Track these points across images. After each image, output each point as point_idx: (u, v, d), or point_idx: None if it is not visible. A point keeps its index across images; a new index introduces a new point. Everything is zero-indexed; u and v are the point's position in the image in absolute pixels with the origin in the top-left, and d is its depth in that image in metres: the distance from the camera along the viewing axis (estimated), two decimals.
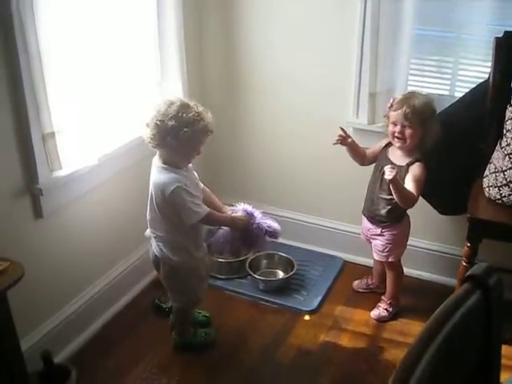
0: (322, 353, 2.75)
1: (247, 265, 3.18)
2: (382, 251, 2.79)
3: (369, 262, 3.19)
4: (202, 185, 2.55)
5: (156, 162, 2.39)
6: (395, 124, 2.57)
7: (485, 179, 2.54)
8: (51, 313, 2.61)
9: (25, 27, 2.10)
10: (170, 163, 2.34)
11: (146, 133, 2.31)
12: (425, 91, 2.70)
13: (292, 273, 3.16)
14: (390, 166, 2.51)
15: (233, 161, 3.47)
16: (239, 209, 2.55)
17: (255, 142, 3.38)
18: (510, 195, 2.42)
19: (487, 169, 2.54)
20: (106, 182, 2.73)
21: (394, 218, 2.72)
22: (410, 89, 2.86)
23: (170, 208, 2.33)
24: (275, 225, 2.54)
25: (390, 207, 2.68)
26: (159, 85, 2.97)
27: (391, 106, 2.60)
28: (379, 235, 2.78)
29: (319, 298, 3.07)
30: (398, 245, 2.79)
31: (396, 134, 2.58)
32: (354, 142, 2.75)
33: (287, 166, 3.33)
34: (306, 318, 2.97)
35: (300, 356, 2.74)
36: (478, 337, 1.11)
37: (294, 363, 2.69)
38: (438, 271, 3.16)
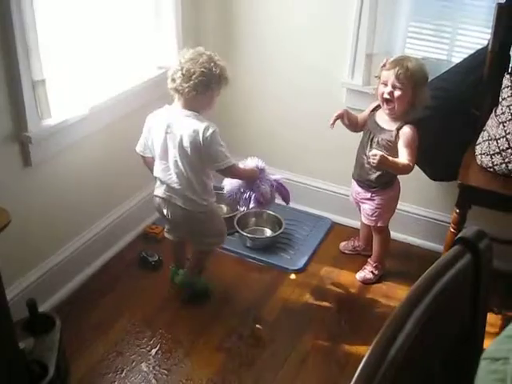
0: (306, 312, 2.78)
1: (235, 222, 3.18)
2: (371, 215, 2.79)
3: (356, 224, 3.19)
4: None
5: (178, 111, 2.41)
6: (385, 84, 2.53)
7: (477, 147, 2.53)
8: (37, 262, 2.61)
9: None
10: (198, 111, 2.41)
11: (181, 84, 2.34)
12: (422, 55, 2.67)
13: (280, 231, 3.17)
14: (372, 152, 2.49)
15: (224, 120, 3.43)
16: (251, 164, 2.56)
17: (248, 101, 3.35)
18: (501, 164, 2.41)
19: (480, 136, 2.52)
20: (96, 132, 2.71)
21: (383, 182, 2.71)
22: (408, 52, 2.84)
23: (205, 152, 2.38)
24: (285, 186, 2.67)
25: (379, 173, 2.66)
26: (154, 35, 2.92)
27: (384, 65, 2.55)
28: (369, 199, 2.78)
29: (306, 258, 3.08)
30: (387, 210, 2.79)
31: (385, 95, 2.53)
32: (347, 112, 2.72)
33: (279, 125, 3.31)
34: (292, 276, 2.99)
35: (284, 314, 2.76)
36: (465, 300, 1.11)
37: (278, 321, 2.72)
38: (425, 236, 3.17)
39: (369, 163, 2.58)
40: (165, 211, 2.57)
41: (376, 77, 2.63)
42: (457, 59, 2.75)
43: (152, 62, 2.97)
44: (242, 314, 2.75)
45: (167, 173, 2.48)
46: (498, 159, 2.42)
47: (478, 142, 2.54)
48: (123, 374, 2.43)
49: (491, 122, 2.47)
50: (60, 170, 2.58)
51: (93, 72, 2.59)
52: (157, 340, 2.58)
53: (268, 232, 3.27)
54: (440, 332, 1.05)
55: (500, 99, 2.44)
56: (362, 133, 2.76)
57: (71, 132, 2.52)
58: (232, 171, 2.47)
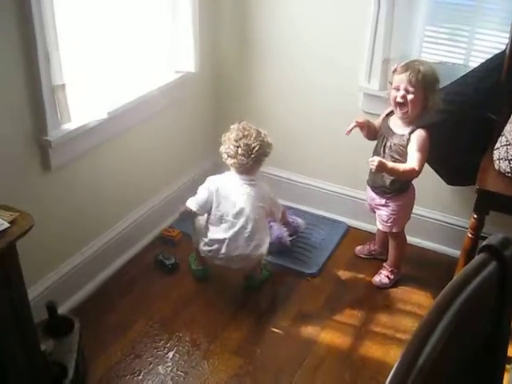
0: (321, 315, 2.78)
1: None
2: (386, 221, 2.79)
3: (372, 228, 3.20)
4: None
5: (243, 179, 2.75)
6: (398, 89, 2.53)
7: (495, 151, 2.52)
8: (56, 265, 2.63)
9: None
10: (254, 176, 2.80)
11: (243, 157, 2.68)
12: (439, 59, 2.67)
13: (296, 235, 3.18)
14: (370, 159, 2.52)
15: (243, 114, 3.44)
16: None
17: (265, 102, 3.36)
18: None
19: (498, 141, 2.52)
20: (114, 136, 2.73)
21: (397, 188, 2.71)
22: (424, 56, 2.84)
23: (269, 207, 2.83)
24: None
25: (392, 178, 2.66)
26: (171, 40, 2.93)
27: (395, 70, 2.56)
28: (384, 206, 2.78)
29: (322, 262, 3.08)
30: (402, 215, 2.79)
31: (398, 99, 2.53)
32: (367, 121, 2.73)
33: (295, 129, 3.31)
34: (308, 280, 2.99)
35: (300, 318, 2.76)
36: (490, 308, 1.11)
37: (294, 325, 2.72)
38: (441, 241, 3.17)
39: (385, 146, 2.61)
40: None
41: (389, 82, 2.64)
42: (474, 63, 2.74)
43: (169, 66, 2.98)
44: (258, 317, 2.76)
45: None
46: None
47: (495, 147, 2.53)
48: (140, 376, 2.44)
49: (509, 127, 2.46)
50: (79, 173, 2.60)
51: (111, 76, 2.61)
52: (174, 342, 2.60)
53: None
54: (466, 340, 1.06)
55: None
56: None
57: (90, 136, 2.54)
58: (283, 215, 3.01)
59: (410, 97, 2.51)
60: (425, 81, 2.48)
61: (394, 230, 2.81)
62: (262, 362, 2.54)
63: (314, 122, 3.25)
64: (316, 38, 3.06)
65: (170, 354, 2.55)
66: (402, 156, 2.59)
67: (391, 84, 2.59)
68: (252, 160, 2.68)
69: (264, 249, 2.78)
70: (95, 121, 2.52)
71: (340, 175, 3.31)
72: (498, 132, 2.54)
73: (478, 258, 1.08)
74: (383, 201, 2.76)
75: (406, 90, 2.51)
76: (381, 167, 2.50)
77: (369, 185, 2.83)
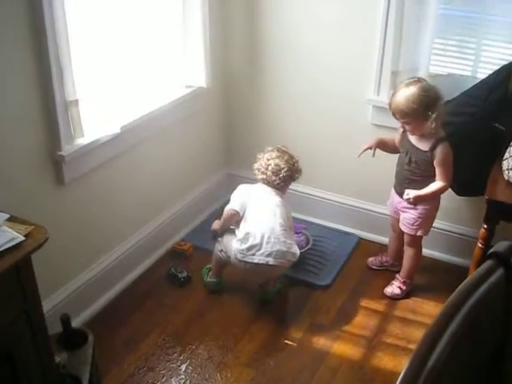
0: (333, 327, 2.79)
1: None
2: (413, 224, 2.80)
3: (383, 239, 3.21)
4: None
5: (273, 189, 2.86)
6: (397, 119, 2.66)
7: (504, 162, 2.53)
8: (69, 278, 2.66)
9: None
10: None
11: (272, 175, 2.83)
12: (447, 71, 2.69)
13: (307, 247, 3.19)
14: (404, 196, 2.65)
15: (252, 134, 3.47)
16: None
17: (275, 115, 3.38)
18: None
19: (507, 152, 2.52)
20: (127, 151, 2.76)
21: None
22: (433, 68, 2.86)
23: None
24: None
25: (421, 186, 2.69)
26: (182, 55, 2.97)
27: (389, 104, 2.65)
28: (411, 208, 2.77)
29: (333, 274, 3.10)
30: (428, 219, 2.80)
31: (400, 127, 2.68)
32: (381, 141, 2.79)
33: (306, 141, 3.33)
34: (320, 292, 3.00)
35: (313, 329, 2.77)
36: (498, 314, 1.13)
37: (306, 336, 2.73)
38: (451, 252, 3.17)
39: (410, 159, 2.67)
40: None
41: None
42: (482, 75, 2.76)
43: (180, 81, 3.02)
44: (271, 329, 2.77)
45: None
46: None
47: (504, 157, 2.54)
48: None
49: None
50: (92, 187, 2.63)
51: (123, 91, 2.64)
52: (187, 355, 2.61)
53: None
54: (474, 346, 1.07)
55: None
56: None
57: (103, 151, 2.58)
58: None
59: (407, 126, 2.63)
60: (410, 111, 2.54)
61: (418, 234, 2.82)
62: (275, 375, 2.55)
63: (325, 135, 3.26)
64: (327, 51, 3.09)
65: (183, 367, 2.56)
66: (428, 168, 2.65)
67: None
68: (279, 179, 2.83)
69: (297, 248, 2.84)
70: (108, 135, 2.55)
71: (351, 187, 3.32)
72: (506, 142, 2.55)
73: (485, 264, 1.10)
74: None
75: (401, 122, 2.62)
76: (417, 200, 2.63)
77: (396, 191, 2.85)
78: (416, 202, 2.65)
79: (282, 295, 2.99)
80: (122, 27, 2.57)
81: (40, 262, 1.91)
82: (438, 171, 2.62)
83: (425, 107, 2.53)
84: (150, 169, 2.96)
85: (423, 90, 2.54)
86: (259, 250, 2.71)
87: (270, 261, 2.71)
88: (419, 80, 2.59)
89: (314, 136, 3.29)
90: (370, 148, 2.78)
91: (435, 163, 2.62)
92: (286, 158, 2.85)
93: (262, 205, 2.82)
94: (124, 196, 2.85)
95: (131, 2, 2.60)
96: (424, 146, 2.64)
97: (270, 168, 2.83)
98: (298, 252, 2.84)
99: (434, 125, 2.54)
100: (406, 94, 2.54)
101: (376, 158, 2.83)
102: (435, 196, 2.69)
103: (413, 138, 2.68)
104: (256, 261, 2.72)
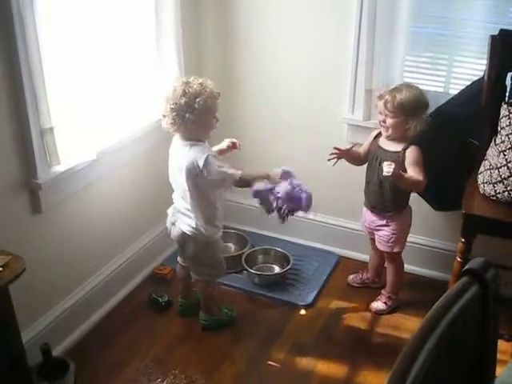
0: (317, 346, 2.78)
1: (243, 259, 3.21)
2: (388, 241, 2.82)
3: (363, 257, 3.22)
4: None
5: (179, 142, 2.53)
6: (380, 113, 2.66)
7: (479, 176, 2.57)
8: (49, 306, 2.63)
9: (24, 21, 2.12)
10: (194, 139, 2.50)
11: (166, 122, 2.49)
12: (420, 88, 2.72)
13: (288, 268, 3.19)
14: (386, 162, 2.53)
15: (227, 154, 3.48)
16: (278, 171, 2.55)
17: (250, 135, 3.38)
18: (504, 192, 2.45)
19: (482, 165, 2.56)
20: (104, 176, 2.75)
21: (398, 205, 2.76)
22: None
23: (205, 178, 2.46)
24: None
25: (392, 195, 2.71)
26: (156, 80, 2.98)
27: (380, 95, 2.66)
28: (384, 225, 2.80)
29: (315, 293, 3.09)
30: (403, 234, 2.83)
31: (380, 123, 2.67)
32: (348, 150, 2.78)
33: (282, 160, 3.32)
34: (302, 312, 3.00)
35: (296, 350, 2.76)
36: (475, 330, 1.14)
37: (289, 357, 2.72)
38: (431, 266, 3.19)
39: (379, 165, 2.64)
40: (171, 232, 2.72)
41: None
42: (454, 91, 2.80)
43: (155, 106, 3.01)
44: (254, 351, 2.76)
45: (176, 197, 2.64)
46: (500, 187, 2.45)
47: (479, 171, 2.58)
48: None
49: (491, 151, 2.51)
50: (70, 215, 2.62)
51: (99, 118, 2.63)
52: (170, 380, 2.58)
53: (276, 269, 3.28)
54: (452, 362, 1.08)
55: (499, 128, 2.48)
56: (362, 164, 2.83)
57: (80, 177, 2.57)
58: (245, 180, 2.50)
59: (388, 121, 2.62)
60: (400, 107, 2.57)
61: (395, 250, 2.84)
62: None
63: (301, 154, 3.26)
64: (301, 70, 3.12)
65: None
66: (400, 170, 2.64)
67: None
68: (171, 124, 2.50)
69: (202, 236, 2.63)
70: (84, 162, 2.54)
71: (329, 205, 3.32)
72: (481, 156, 2.59)
73: (460, 281, 1.11)
74: (384, 221, 2.80)
75: (384, 114, 2.62)
76: (395, 173, 2.50)
77: (367, 207, 2.86)
78: (394, 175, 2.50)
79: (263, 316, 2.98)
80: (96, 54, 2.56)
81: (18, 292, 1.90)
82: (411, 170, 2.61)
83: (419, 109, 2.58)
84: (128, 193, 2.96)
85: (421, 93, 2.61)
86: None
87: None
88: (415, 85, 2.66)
89: (289, 154, 3.29)
90: (341, 155, 2.76)
91: (407, 163, 2.62)
92: (172, 95, 2.44)
93: (172, 172, 2.62)
94: (102, 222, 2.83)
95: (105, 29, 2.60)
96: (395, 147, 2.67)
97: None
98: None
99: (413, 130, 2.58)
100: (410, 90, 2.58)
101: (352, 174, 2.85)
102: (408, 183, 2.60)
103: (384, 144, 2.71)
104: None
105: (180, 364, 2.67)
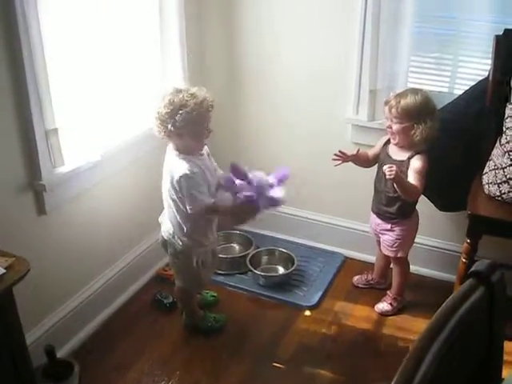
0: (322, 347, 2.77)
1: (248, 260, 3.21)
2: (392, 246, 2.81)
3: (369, 258, 3.22)
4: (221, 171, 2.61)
5: (170, 150, 2.47)
6: (387, 118, 2.64)
7: (484, 176, 2.56)
8: (54, 308, 2.63)
9: (28, 24, 2.11)
10: (182, 150, 2.43)
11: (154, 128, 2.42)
12: (424, 88, 2.72)
13: (292, 268, 3.18)
14: (387, 165, 2.52)
15: (230, 155, 3.47)
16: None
17: (254, 136, 3.39)
18: (509, 192, 2.44)
19: (487, 166, 2.55)
20: (108, 177, 2.75)
21: (403, 214, 2.74)
22: (410, 86, 2.88)
23: (177, 194, 2.42)
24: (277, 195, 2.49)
25: (398, 205, 2.69)
26: (161, 80, 2.97)
27: (387, 100, 2.63)
28: (389, 230, 2.79)
29: (319, 294, 3.09)
30: (407, 240, 2.81)
31: (387, 129, 2.64)
32: (354, 156, 2.76)
33: (286, 161, 3.33)
34: (307, 313, 2.99)
35: (301, 351, 2.75)
36: (481, 332, 1.13)
37: (294, 358, 2.71)
38: (437, 267, 3.18)
39: (386, 178, 2.58)
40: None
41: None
42: (459, 91, 2.79)
43: None
44: (259, 352, 2.75)
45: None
46: (505, 188, 2.45)
47: (484, 171, 2.57)
48: None
49: (496, 152, 2.50)
50: (74, 216, 2.62)
51: (103, 119, 2.63)
52: (175, 381, 2.58)
53: (281, 270, 3.28)
54: (459, 364, 1.07)
55: (504, 129, 2.48)
56: (370, 166, 2.82)
57: (84, 178, 2.57)
58: (212, 211, 2.45)
59: (394, 127, 2.59)
60: (406, 112, 2.54)
61: (399, 255, 2.83)
62: None
63: (306, 154, 3.27)
64: (305, 70, 3.11)
65: None
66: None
67: None
68: (158, 132, 2.45)
69: (178, 247, 2.58)
70: (89, 163, 2.54)
71: (335, 206, 3.32)
72: (486, 157, 2.58)
73: (466, 283, 1.10)
74: (388, 226, 2.79)
75: (390, 119, 2.60)
76: (397, 176, 2.49)
77: (373, 211, 2.85)
78: (395, 177, 2.48)
79: (268, 318, 2.98)
80: (100, 54, 2.56)
81: (23, 293, 1.90)
82: (411, 177, 2.58)
83: (424, 114, 2.54)
84: (133, 195, 2.95)
85: (428, 98, 2.58)
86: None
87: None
88: (423, 90, 2.63)
89: (294, 155, 3.30)
90: (343, 156, 2.74)
91: (410, 169, 2.59)
92: (166, 96, 2.38)
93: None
94: (107, 222, 2.83)
95: (109, 31, 2.60)
96: (402, 156, 2.64)
97: None
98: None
99: (419, 136, 2.54)
100: (415, 95, 2.56)
101: (359, 175, 2.84)
102: (404, 190, 2.57)
103: (392, 151, 2.69)
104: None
105: (185, 365, 2.67)
